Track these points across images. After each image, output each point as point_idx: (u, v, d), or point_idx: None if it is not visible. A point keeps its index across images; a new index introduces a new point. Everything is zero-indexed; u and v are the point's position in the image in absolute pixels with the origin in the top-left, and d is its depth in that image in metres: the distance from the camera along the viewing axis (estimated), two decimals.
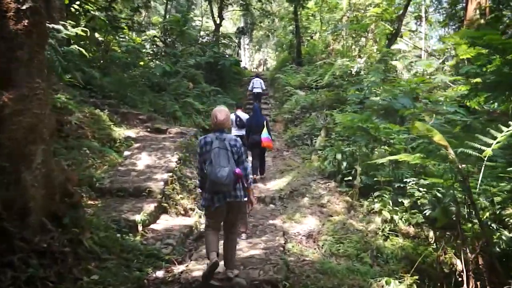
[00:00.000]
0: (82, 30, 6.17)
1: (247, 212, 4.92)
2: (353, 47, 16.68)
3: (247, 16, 28.15)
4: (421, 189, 5.53)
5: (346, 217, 5.77)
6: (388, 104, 6.13)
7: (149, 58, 15.21)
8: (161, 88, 12.95)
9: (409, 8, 18.90)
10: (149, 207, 5.40)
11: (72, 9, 12.32)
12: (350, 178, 6.40)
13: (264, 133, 7.66)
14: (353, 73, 15.56)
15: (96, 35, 13.50)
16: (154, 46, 15.24)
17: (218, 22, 21.41)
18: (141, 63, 14.15)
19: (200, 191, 4.00)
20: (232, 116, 8.60)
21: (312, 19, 24.47)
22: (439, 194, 5.32)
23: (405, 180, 5.62)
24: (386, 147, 6.91)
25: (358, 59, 16.32)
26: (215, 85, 15.71)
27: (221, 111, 3.76)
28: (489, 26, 14.66)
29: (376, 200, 5.82)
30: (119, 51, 13.22)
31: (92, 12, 13.22)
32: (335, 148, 7.03)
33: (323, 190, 6.50)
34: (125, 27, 14.76)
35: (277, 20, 29.14)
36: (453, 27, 18.80)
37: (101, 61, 11.68)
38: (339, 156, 6.54)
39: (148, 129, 9.17)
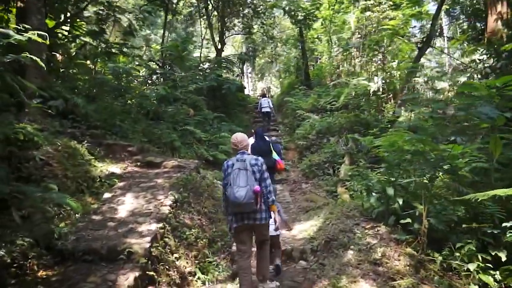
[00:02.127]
0: (39, 35, 4.61)
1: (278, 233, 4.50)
2: (368, 66, 15.21)
3: (249, 42, 27.13)
4: None
5: (415, 280, 3.95)
6: (464, 115, 4.44)
7: (146, 84, 13.72)
8: (158, 116, 11.39)
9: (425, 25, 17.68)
10: (126, 280, 3.62)
11: (60, 35, 11.04)
12: (409, 220, 4.60)
13: (275, 156, 6.63)
14: (371, 92, 14.06)
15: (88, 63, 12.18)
16: (150, 71, 13.76)
17: (219, 47, 20.21)
18: (137, 91, 12.70)
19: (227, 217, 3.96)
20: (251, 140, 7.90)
21: (318, 41, 23.35)
22: None
23: (504, 224, 3.84)
24: (445, 175, 5.20)
25: (375, 78, 14.85)
26: (219, 112, 14.18)
27: (239, 135, 4.05)
28: None
29: (458, 253, 4.02)
30: (109, 76, 11.76)
31: (82, 38, 11.94)
32: (383, 179, 5.26)
33: (372, 238, 4.70)
34: (118, 53, 13.44)
35: (279, 46, 28.17)
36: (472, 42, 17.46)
37: (87, 87, 10.16)
38: (390, 191, 4.77)
39: (138, 163, 7.48)
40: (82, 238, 4.35)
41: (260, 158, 3.85)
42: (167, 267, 4.21)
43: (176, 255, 4.49)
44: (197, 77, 14.88)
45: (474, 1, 17.59)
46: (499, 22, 15.12)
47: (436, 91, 13.93)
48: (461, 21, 18.58)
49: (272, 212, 3.87)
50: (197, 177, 7.00)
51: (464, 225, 4.14)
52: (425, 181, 4.90)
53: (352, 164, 9.59)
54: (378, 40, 13.54)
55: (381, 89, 13.79)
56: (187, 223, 5.27)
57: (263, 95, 15.89)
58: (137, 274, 3.76)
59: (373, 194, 5.19)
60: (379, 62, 14.51)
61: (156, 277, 3.97)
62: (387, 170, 5.83)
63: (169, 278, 4.14)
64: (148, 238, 4.28)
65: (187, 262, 4.56)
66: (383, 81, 13.79)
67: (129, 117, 10.23)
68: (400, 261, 4.29)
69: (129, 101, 11.30)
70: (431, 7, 19.71)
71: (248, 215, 3.65)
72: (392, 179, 5.08)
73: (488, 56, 12.71)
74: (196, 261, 4.74)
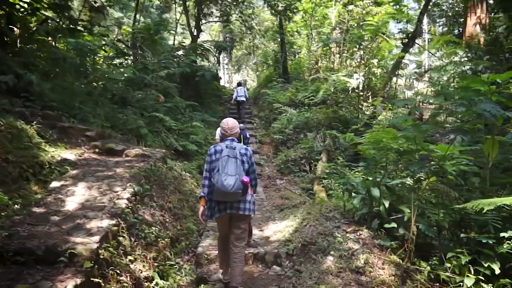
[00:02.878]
0: None
1: None
2: (348, 61, 14.87)
3: (227, 32, 26.39)
4: None
5: None
6: (465, 112, 3.99)
7: (113, 65, 12.75)
8: (124, 101, 10.56)
9: (406, 26, 17.47)
10: None
11: (18, 7, 9.97)
12: (394, 225, 4.16)
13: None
14: (350, 89, 13.74)
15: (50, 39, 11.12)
16: (118, 52, 12.79)
17: (195, 33, 19.39)
18: (102, 73, 11.73)
19: (203, 195, 3.65)
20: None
21: (297, 35, 22.93)
22: None
23: (502, 234, 3.44)
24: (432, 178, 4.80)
25: (355, 75, 14.54)
26: (192, 101, 13.44)
27: (231, 120, 3.82)
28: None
29: (448, 264, 3.59)
30: (72, 54, 10.78)
31: (44, 12, 10.86)
32: (366, 179, 4.79)
33: (354, 243, 4.23)
34: (83, 30, 12.42)
35: (258, 37, 27.64)
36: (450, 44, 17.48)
37: (44, 64, 9.21)
38: (376, 192, 4.31)
39: (97, 150, 6.73)
40: (16, 234, 3.63)
41: (249, 148, 3.78)
42: (118, 271, 3.57)
43: (130, 257, 3.84)
44: (170, 62, 14.06)
45: (455, 4, 17.62)
46: (477, 27, 15.17)
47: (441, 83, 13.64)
48: (440, 24, 18.65)
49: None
50: (162, 168, 6.35)
51: (462, 235, 3.71)
52: (414, 182, 4.49)
53: (330, 162, 9.20)
54: (359, 36, 13.19)
55: (360, 86, 13.48)
56: (147, 220, 4.63)
57: (239, 84, 15.58)
58: (78, 281, 3.11)
59: (356, 194, 4.71)
60: (359, 58, 14.19)
61: (103, 284, 3.32)
62: (371, 170, 5.41)
63: (120, 285, 3.50)
64: (97, 237, 3.62)
65: (143, 266, 3.93)
66: (363, 78, 13.48)
67: (92, 99, 9.37)
68: (384, 270, 3.84)
69: (93, 83, 10.42)
70: (413, 5, 19.69)
71: (231, 204, 3.54)
72: (378, 179, 4.63)
73: (468, 59, 12.63)
74: (155, 264, 4.11)
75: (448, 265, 3.62)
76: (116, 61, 13.49)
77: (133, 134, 8.90)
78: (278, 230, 5.23)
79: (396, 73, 12.06)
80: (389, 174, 5.04)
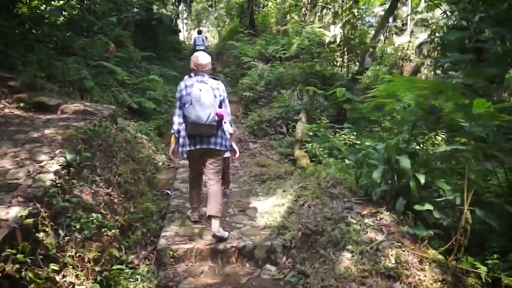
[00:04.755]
0: None
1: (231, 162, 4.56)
2: (325, 11, 13.51)
3: None
4: None
5: None
6: None
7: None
8: (67, 50, 8.68)
9: None
10: None
11: None
12: (430, 207, 3.09)
13: None
14: (326, 42, 12.50)
15: None
16: None
17: None
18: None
19: (173, 132, 3.60)
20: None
21: None
22: None
23: None
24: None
25: (331, 27, 13.26)
26: (149, 53, 11.64)
27: (202, 54, 3.59)
28: None
29: None
30: None
31: None
32: (387, 145, 3.61)
33: (375, 232, 3.13)
34: None
35: None
36: None
37: None
38: (405, 163, 3.18)
39: (22, 104, 5.13)
40: None
41: (221, 83, 3.59)
42: None
43: (55, 265, 2.49)
44: (122, 5, 11.96)
45: None
46: None
47: None
48: None
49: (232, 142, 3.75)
50: (111, 129, 4.89)
51: None
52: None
53: (310, 123, 8.09)
54: None
55: (338, 40, 12.25)
56: (86, 202, 3.24)
57: (199, 32, 14.53)
58: None
59: (371, 164, 3.55)
60: (336, 8, 12.87)
61: None
62: (360, 132, 4.29)
63: None
64: None
65: (77, 275, 2.61)
66: (341, 31, 12.22)
67: (24, 44, 7.50)
68: (425, 271, 2.78)
69: (31, 29, 8.38)
70: None
71: (204, 139, 3.43)
72: (403, 145, 3.49)
73: (451, 13, 11.70)
74: (97, 269, 2.79)
75: None
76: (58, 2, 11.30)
77: (76, 88, 7.21)
78: (265, 211, 4.04)
79: (389, 19, 10.88)
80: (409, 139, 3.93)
